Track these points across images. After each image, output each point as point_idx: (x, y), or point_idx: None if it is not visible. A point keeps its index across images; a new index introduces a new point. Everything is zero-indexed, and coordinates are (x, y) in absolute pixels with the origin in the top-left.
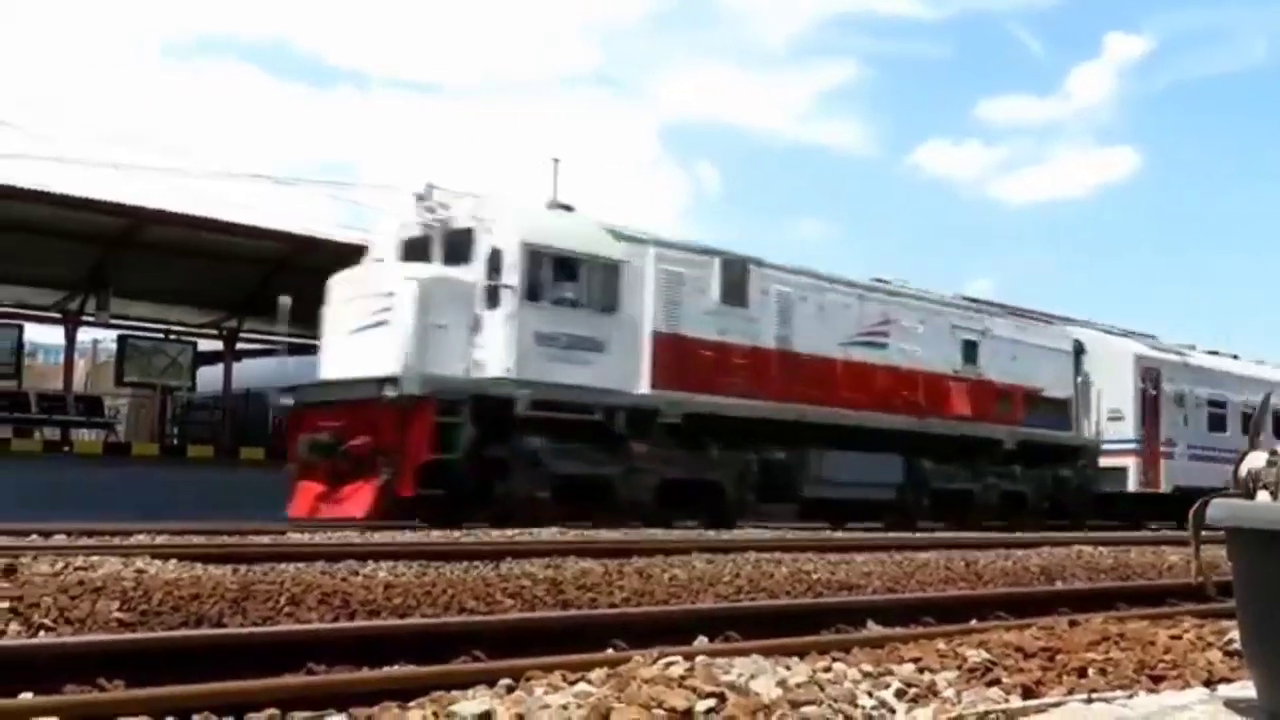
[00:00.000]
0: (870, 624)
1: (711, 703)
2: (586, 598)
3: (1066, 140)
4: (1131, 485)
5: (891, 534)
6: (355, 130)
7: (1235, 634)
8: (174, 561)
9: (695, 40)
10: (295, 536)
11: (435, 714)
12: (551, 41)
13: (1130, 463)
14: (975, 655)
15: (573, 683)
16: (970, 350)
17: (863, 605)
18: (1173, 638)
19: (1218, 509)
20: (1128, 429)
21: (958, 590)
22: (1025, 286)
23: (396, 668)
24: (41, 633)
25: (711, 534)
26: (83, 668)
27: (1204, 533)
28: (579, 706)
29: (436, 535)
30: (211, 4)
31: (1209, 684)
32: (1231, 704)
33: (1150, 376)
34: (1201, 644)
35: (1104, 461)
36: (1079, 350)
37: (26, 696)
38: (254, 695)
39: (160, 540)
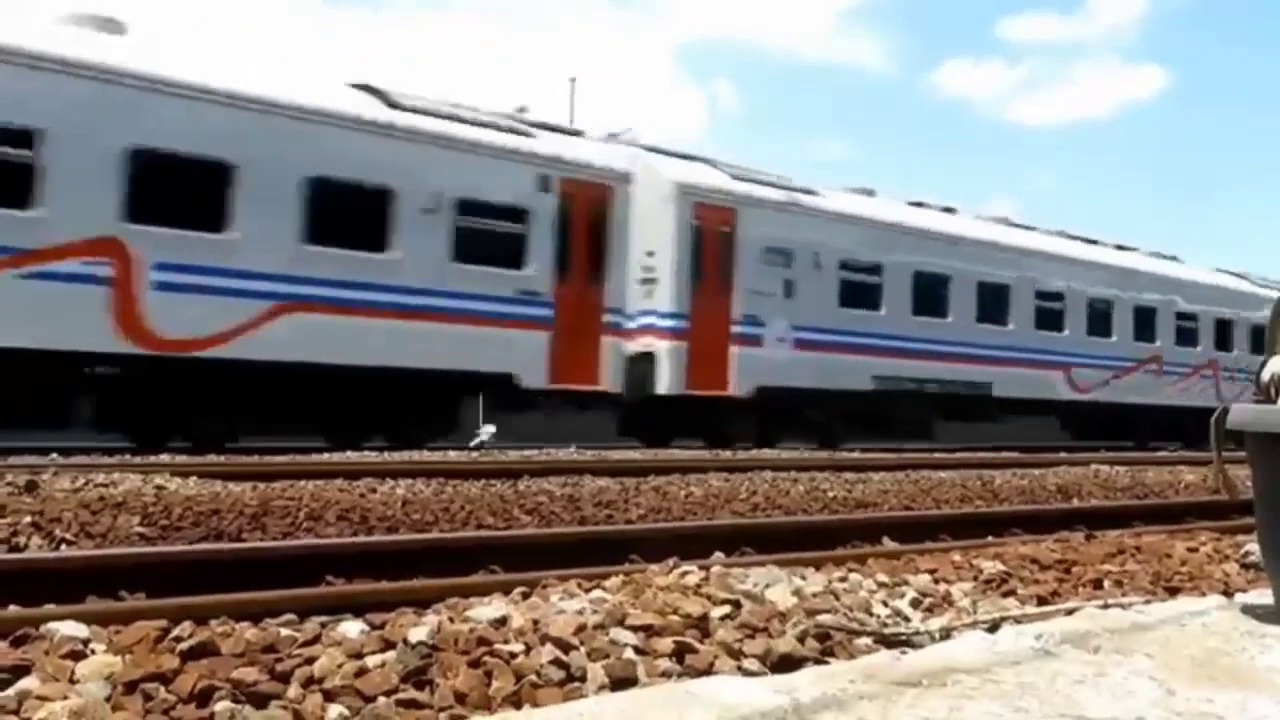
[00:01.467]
0: (886, 540)
1: (727, 609)
2: (603, 514)
3: (1090, 59)
4: None
5: (909, 454)
6: (367, 49)
7: (1252, 546)
8: (194, 479)
9: None
10: (315, 455)
11: (451, 619)
12: None
13: None
14: (991, 567)
15: (588, 591)
16: None
17: (879, 522)
18: (1190, 550)
19: (1239, 414)
20: None
21: (974, 508)
22: (1049, 208)
23: (415, 581)
24: (63, 546)
25: (728, 453)
26: (105, 579)
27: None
28: (594, 612)
29: (454, 455)
30: None
31: (1226, 594)
32: (1249, 609)
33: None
34: (1219, 557)
35: None
36: None
37: (49, 606)
38: (271, 604)
39: (180, 459)
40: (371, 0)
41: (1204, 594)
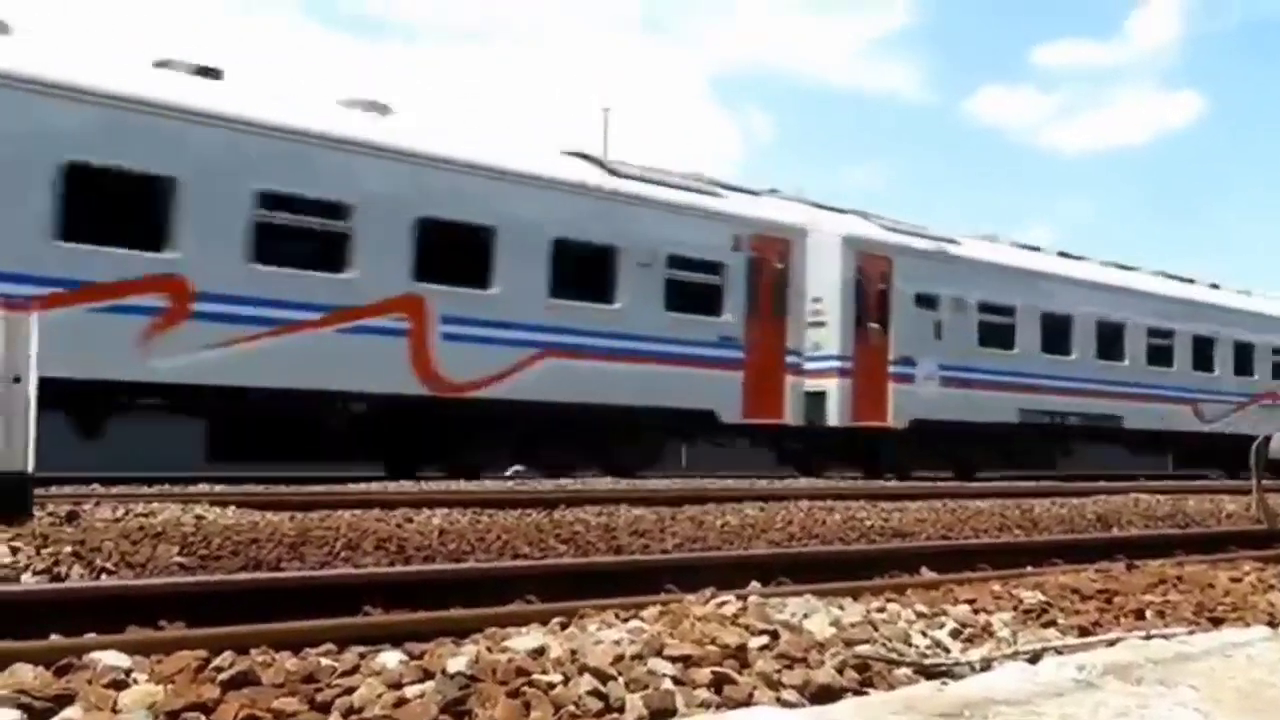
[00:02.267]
0: (924, 570)
1: (765, 640)
2: (639, 544)
3: (1126, 85)
4: None
5: (944, 483)
6: (403, 82)
7: None
8: (233, 508)
9: None
10: (352, 485)
11: (489, 649)
12: None
13: None
14: (1031, 597)
15: (626, 620)
16: None
17: (917, 551)
18: (1233, 580)
19: None
20: None
21: (1013, 537)
22: (1084, 235)
23: (453, 611)
24: (103, 576)
25: (764, 483)
26: (145, 609)
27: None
28: (632, 642)
29: (490, 484)
30: None
31: (1271, 625)
32: None
33: None
34: (1263, 587)
35: None
36: None
37: (90, 636)
38: (310, 634)
39: (219, 488)
40: (405, 31)
41: (1248, 625)
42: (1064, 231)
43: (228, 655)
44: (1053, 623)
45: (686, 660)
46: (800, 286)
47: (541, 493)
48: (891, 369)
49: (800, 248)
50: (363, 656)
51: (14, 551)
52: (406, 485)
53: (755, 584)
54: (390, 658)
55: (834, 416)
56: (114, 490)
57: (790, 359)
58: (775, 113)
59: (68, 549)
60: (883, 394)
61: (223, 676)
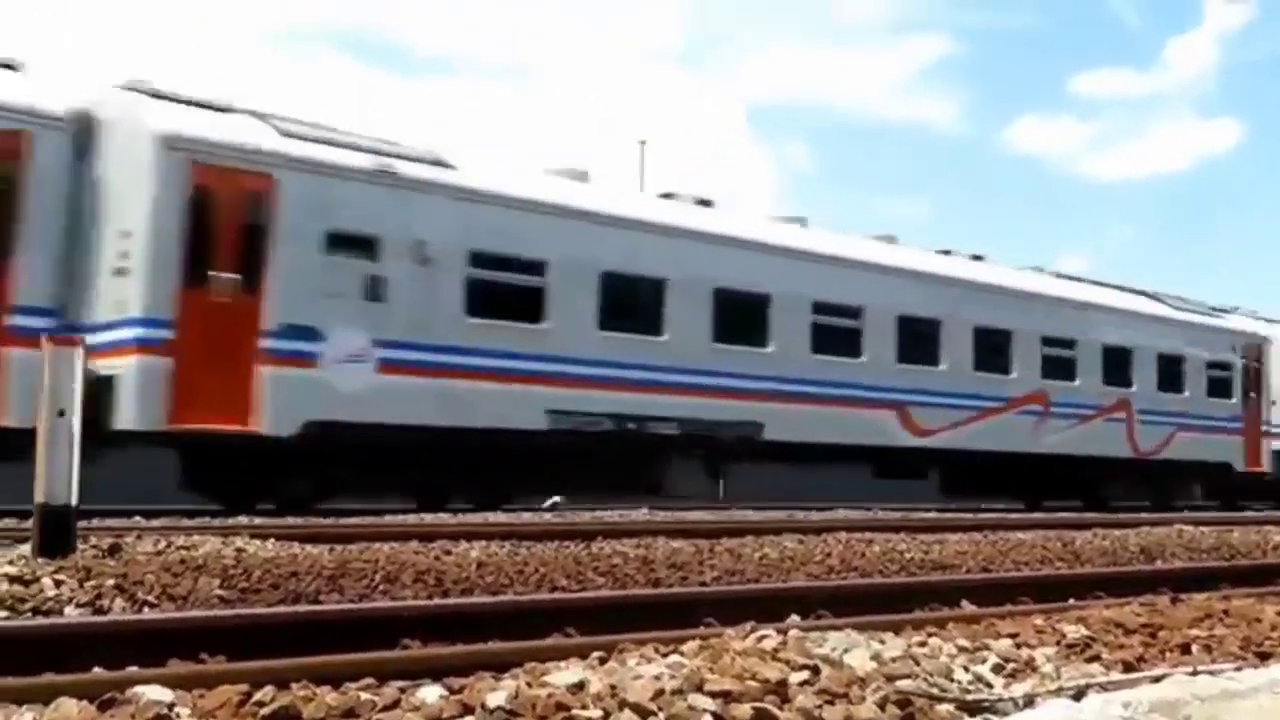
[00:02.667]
0: (965, 603)
1: (805, 675)
2: (677, 576)
3: (1164, 114)
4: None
5: (985, 514)
6: (441, 118)
7: None
8: (272, 541)
9: (783, 17)
10: (390, 517)
11: (529, 684)
12: (635, 19)
13: None
14: (1074, 631)
15: (665, 655)
16: None
17: (957, 584)
18: None
19: None
20: None
21: (1054, 569)
22: (1124, 263)
23: (491, 644)
24: (145, 609)
25: (802, 515)
26: (186, 641)
27: None
28: (672, 677)
29: (528, 516)
30: None
31: None
32: None
33: None
34: None
35: None
36: None
37: (132, 669)
38: (350, 668)
39: (259, 521)
40: (446, 68)
41: None
42: (1104, 258)
43: (269, 690)
44: (1097, 657)
45: (727, 696)
46: (48, 207)
47: (579, 525)
48: (266, 344)
49: (53, 146)
50: (403, 691)
51: (57, 584)
52: (445, 517)
53: (795, 617)
54: (430, 692)
55: (131, 415)
56: (155, 523)
57: (12, 320)
58: (813, 145)
59: (110, 582)
60: (245, 382)
61: (264, 711)
